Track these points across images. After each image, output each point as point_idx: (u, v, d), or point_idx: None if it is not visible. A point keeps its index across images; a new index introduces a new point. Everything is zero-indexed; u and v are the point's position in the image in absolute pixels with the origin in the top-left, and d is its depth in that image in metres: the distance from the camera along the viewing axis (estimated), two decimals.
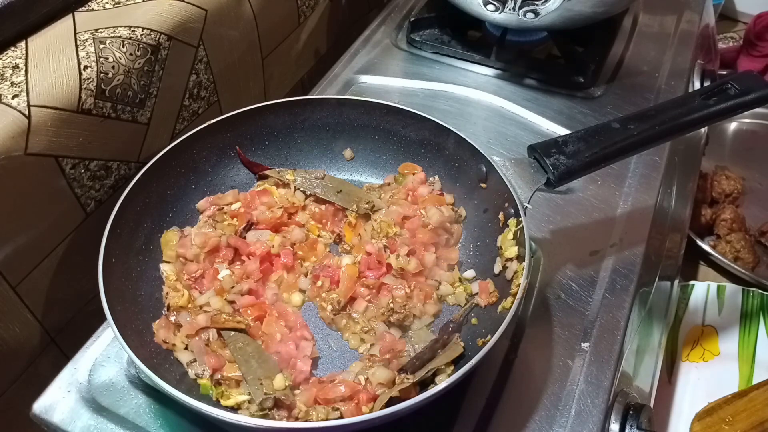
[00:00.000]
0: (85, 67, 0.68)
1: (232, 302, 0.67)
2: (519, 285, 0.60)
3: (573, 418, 0.61)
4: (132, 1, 0.77)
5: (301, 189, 0.77)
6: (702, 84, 1.05)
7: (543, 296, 0.71)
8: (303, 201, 0.76)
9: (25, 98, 0.63)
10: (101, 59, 0.70)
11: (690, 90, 1.02)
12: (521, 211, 0.64)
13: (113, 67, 0.71)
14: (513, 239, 0.66)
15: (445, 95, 0.97)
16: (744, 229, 1.14)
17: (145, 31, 0.74)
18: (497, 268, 0.68)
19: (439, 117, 0.74)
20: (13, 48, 0.69)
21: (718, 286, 1.01)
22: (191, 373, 0.61)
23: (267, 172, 0.78)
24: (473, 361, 0.53)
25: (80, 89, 0.67)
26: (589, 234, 0.78)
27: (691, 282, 1.02)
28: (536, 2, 0.86)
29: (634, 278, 0.73)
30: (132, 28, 0.73)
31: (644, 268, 0.74)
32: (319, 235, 0.75)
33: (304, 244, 0.73)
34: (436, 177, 0.77)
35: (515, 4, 0.87)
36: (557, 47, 1.04)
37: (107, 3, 0.77)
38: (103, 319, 0.56)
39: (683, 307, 1.00)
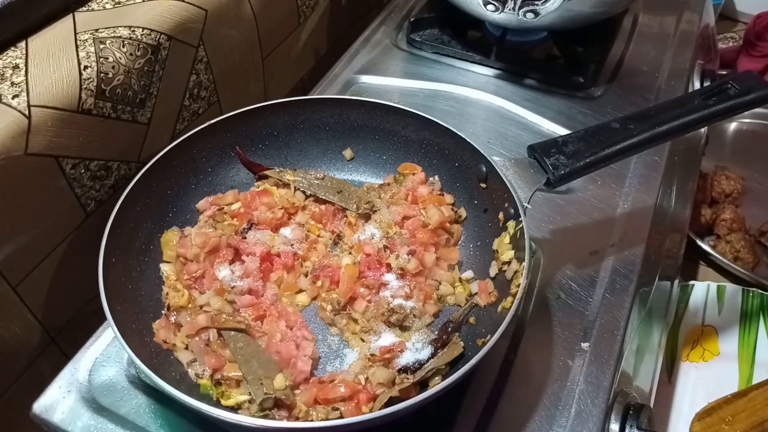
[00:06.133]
0: (86, 67, 0.68)
1: (232, 302, 0.67)
2: (519, 285, 0.60)
3: (573, 418, 0.61)
4: (132, 1, 0.77)
5: (301, 189, 0.77)
6: (702, 84, 1.05)
7: (543, 296, 0.71)
8: (303, 201, 0.76)
9: (26, 98, 0.63)
10: (101, 59, 0.70)
11: (690, 90, 1.02)
12: (521, 211, 0.64)
13: (113, 67, 0.71)
14: (509, 243, 0.67)
15: (445, 95, 0.97)
16: (744, 229, 1.14)
17: (145, 31, 0.74)
18: (493, 272, 0.68)
19: (439, 117, 0.74)
20: (13, 48, 0.69)
21: (718, 286, 1.01)
22: (191, 373, 0.61)
23: (267, 172, 0.78)
24: (473, 361, 0.53)
25: (80, 89, 0.67)
26: (589, 234, 0.78)
27: (691, 282, 1.02)
28: (536, 2, 0.86)
29: (634, 278, 0.73)
30: (132, 28, 0.73)
31: (644, 268, 0.74)
32: (319, 235, 0.75)
33: (304, 244, 0.73)
34: (436, 177, 0.77)
35: (515, 4, 0.87)
36: (557, 47, 1.04)
37: (107, 3, 0.77)
38: (103, 319, 0.56)
39: (683, 307, 1.00)
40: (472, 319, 0.66)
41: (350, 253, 0.72)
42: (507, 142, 0.89)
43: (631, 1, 1.03)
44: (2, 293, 0.67)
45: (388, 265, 0.69)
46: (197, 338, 0.62)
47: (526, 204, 0.65)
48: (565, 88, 0.98)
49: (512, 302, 0.59)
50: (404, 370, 0.61)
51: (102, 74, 0.69)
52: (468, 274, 0.71)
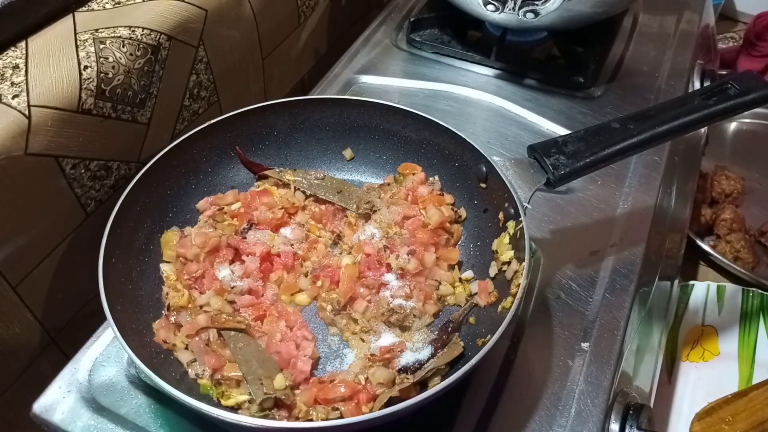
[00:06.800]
0: (86, 67, 0.68)
1: (232, 302, 0.67)
2: (519, 285, 0.60)
3: (573, 418, 0.61)
4: (132, 1, 0.77)
5: (301, 189, 0.77)
6: (702, 84, 1.06)
7: (543, 296, 0.71)
8: (303, 201, 0.76)
9: (26, 98, 0.64)
10: (101, 59, 0.70)
11: (690, 90, 1.02)
12: (521, 211, 0.64)
13: (113, 67, 0.71)
14: (509, 243, 0.67)
15: (445, 95, 0.97)
16: (744, 229, 1.14)
17: (145, 31, 0.74)
18: (493, 272, 0.68)
19: (439, 117, 0.74)
20: (13, 48, 0.69)
21: (718, 286, 1.01)
22: (191, 373, 0.61)
23: (267, 173, 0.78)
24: (473, 360, 0.53)
25: (80, 89, 0.67)
26: (589, 234, 0.78)
27: (691, 282, 1.02)
28: (536, 2, 0.86)
29: (634, 278, 0.73)
30: (132, 28, 0.73)
31: (644, 268, 0.74)
32: (319, 235, 0.75)
33: (304, 244, 0.73)
34: (436, 177, 0.77)
35: (515, 4, 0.87)
36: (557, 47, 1.04)
37: (107, 3, 0.77)
38: (103, 319, 0.56)
39: (683, 307, 1.00)
40: (472, 319, 0.66)
41: (350, 253, 0.72)
42: (507, 142, 0.89)
43: (631, 1, 1.03)
44: (2, 293, 0.67)
45: (388, 265, 0.69)
46: (197, 338, 0.62)
47: (526, 204, 0.65)
48: (565, 88, 0.98)
49: (512, 302, 0.59)
50: (404, 370, 0.61)
51: (102, 74, 0.69)
52: (468, 274, 0.71)
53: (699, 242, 1.08)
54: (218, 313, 0.64)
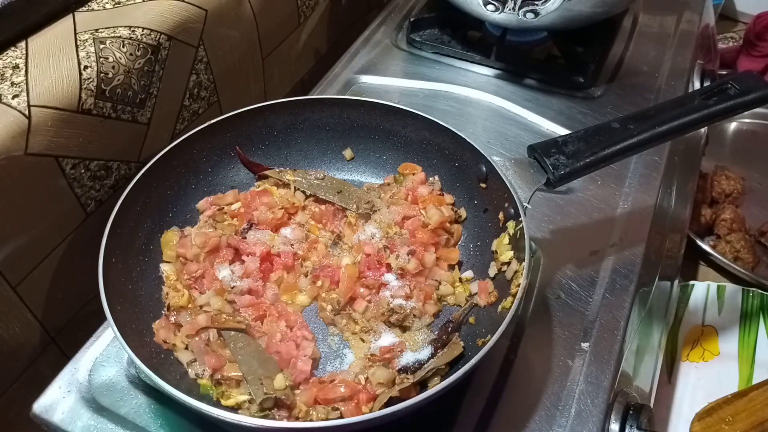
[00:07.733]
0: (86, 67, 0.68)
1: (232, 302, 0.67)
2: (519, 285, 0.60)
3: (573, 418, 0.61)
4: (132, 1, 0.77)
5: (301, 189, 0.77)
6: (702, 84, 1.06)
7: (543, 296, 0.71)
8: (303, 201, 0.76)
9: (26, 98, 0.64)
10: (101, 59, 0.70)
11: (690, 90, 1.02)
12: (521, 211, 0.64)
13: (113, 67, 0.71)
14: (508, 243, 0.67)
15: (445, 95, 0.97)
16: (744, 229, 1.14)
17: (145, 31, 0.74)
18: (492, 272, 0.68)
19: (439, 117, 0.74)
20: (13, 48, 0.69)
21: (718, 286, 1.01)
22: (191, 373, 0.61)
23: (267, 172, 0.78)
24: (473, 360, 0.53)
25: (80, 89, 0.67)
26: (589, 234, 0.78)
27: (691, 282, 1.02)
28: (536, 2, 0.86)
29: (634, 278, 0.73)
30: (132, 28, 0.73)
31: (644, 268, 0.74)
32: (319, 235, 0.75)
33: (304, 244, 0.73)
34: (436, 177, 0.77)
35: (515, 4, 0.87)
36: (557, 47, 1.04)
37: (107, 3, 0.77)
38: (103, 319, 0.56)
39: (683, 307, 1.00)
40: (472, 319, 0.66)
41: (350, 253, 0.72)
42: (507, 142, 0.89)
43: (631, 1, 1.03)
44: (2, 293, 0.67)
45: (388, 265, 0.69)
46: (197, 338, 0.62)
47: (526, 204, 0.65)
48: (565, 88, 0.98)
49: (512, 302, 0.59)
50: (404, 370, 0.61)
51: (102, 74, 0.69)
52: (468, 274, 0.71)
53: (699, 242, 1.08)
54: (218, 313, 0.64)
